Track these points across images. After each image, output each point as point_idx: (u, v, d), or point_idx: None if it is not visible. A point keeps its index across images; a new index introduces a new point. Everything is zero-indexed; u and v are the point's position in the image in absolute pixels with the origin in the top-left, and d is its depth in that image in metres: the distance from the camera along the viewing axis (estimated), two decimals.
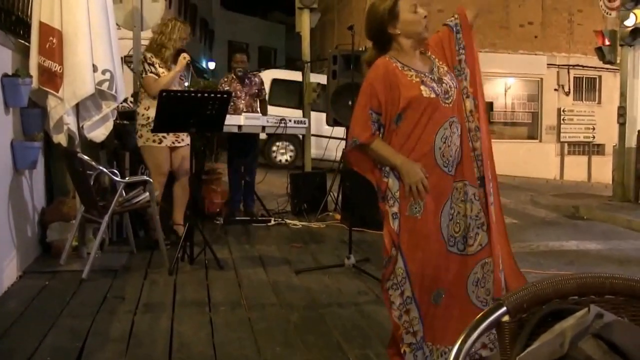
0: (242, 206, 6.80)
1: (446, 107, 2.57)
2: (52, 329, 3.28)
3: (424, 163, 2.53)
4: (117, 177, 4.54)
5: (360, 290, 4.15)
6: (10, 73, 4.08)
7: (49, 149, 4.90)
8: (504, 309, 1.20)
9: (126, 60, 6.92)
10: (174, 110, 4.49)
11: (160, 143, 5.10)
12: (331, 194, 7.13)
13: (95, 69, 4.40)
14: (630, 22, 9.23)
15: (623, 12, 9.47)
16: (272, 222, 6.47)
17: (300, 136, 9.82)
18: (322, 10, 10.59)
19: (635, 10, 9.18)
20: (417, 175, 2.50)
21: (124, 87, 4.89)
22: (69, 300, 3.76)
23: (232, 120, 6.08)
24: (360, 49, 6.16)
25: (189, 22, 5.54)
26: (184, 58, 5.08)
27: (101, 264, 4.45)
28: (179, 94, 4.65)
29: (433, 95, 2.53)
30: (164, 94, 4.43)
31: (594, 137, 17.03)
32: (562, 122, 17.00)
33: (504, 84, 16.92)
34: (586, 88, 17.40)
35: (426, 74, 2.59)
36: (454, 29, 2.70)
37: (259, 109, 6.85)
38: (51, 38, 4.26)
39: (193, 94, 4.85)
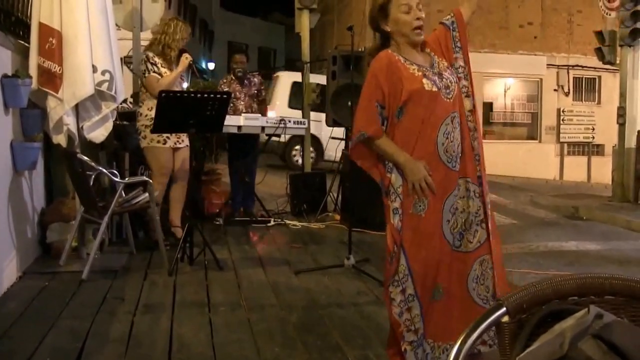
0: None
1: (447, 102, 2.57)
2: (51, 329, 3.28)
3: (428, 161, 2.53)
4: (116, 177, 4.54)
5: (360, 291, 4.14)
6: (10, 74, 4.08)
7: (48, 149, 4.90)
8: (504, 309, 1.20)
9: (126, 60, 6.92)
10: (174, 111, 4.48)
11: (164, 144, 5.09)
12: (331, 194, 7.13)
13: (94, 69, 4.40)
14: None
15: (622, 13, 9.48)
16: (272, 223, 6.47)
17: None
18: (321, 11, 10.59)
19: None
20: (420, 173, 2.51)
21: (123, 88, 4.88)
22: (69, 301, 3.76)
23: (232, 121, 6.09)
24: (360, 49, 6.17)
25: (188, 22, 5.54)
26: (186, 58, 5.07)
27: (101, 265, 4.45)
28: (178, 95, 4.65)
29: (435, 89, 2.54)
30: (163, 94, 4.43)
31: (593, 137, 17.04)
32: (561, 122, 17.01)
33: (503, 85, 16.92)
34: (586, 88, 17.41)
35: (427, 68, 2.61)
36: (450, 27, 2.72)
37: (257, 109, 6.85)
38: (51, 39, 4.27)
39: (193, 95, 4.85)
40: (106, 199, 4.52)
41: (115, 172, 4.75)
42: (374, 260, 4.84)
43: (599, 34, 10.17)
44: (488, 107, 16.72)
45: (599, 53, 10.19)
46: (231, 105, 6.24)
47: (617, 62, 10.05)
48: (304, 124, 7.10)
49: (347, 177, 6.55)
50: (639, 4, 9.22)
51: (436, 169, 2.54)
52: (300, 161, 12.81)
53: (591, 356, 1.09)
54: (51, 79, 4.29)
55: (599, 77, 17.03)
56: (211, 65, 28.88)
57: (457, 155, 2.60)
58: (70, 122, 4.41)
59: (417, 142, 2.55)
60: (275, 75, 14.66)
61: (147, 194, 4.58)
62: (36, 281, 4.13)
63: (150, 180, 4.66)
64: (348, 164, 6.28)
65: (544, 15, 16.69)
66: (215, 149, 8.43)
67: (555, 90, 17.03)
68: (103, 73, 4.48)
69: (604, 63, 10.51)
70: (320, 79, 11.04)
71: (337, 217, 6.77)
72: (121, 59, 5.70)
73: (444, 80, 2.59)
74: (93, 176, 4.48)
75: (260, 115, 6.60)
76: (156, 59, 5.09)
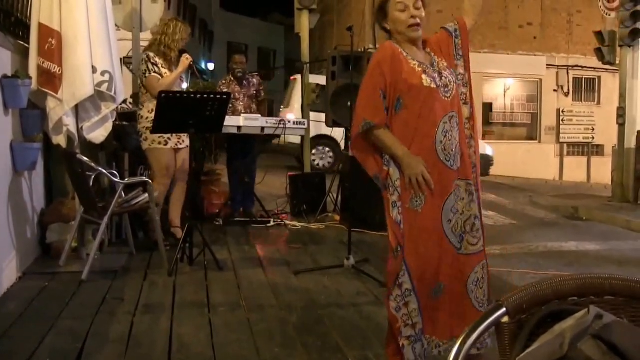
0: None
1: (445, 100, 2.58)
2: (51, 330, 3.28)
3: (425, 158, 2.54)
4: (116, 178, 4.54)
5: (360, 291, 4.14)
6: (9, 74, 4.08)
7: (48, 150, 4.89)
8: (504, 309, 1.20)
9: (125, 61, 6.93)
10: (173, 111, 4.48)
11: (166, 145, 5.09)
12: (330, 194, 7.13)
13: (94, 70, 4.40)
14: None
15: (622, 13, 9.48)
16: (272, 223, 6.47)
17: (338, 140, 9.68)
18: (321, 12, 10.59)
19: None
20: (417, 167, 2.51)
21: (123, 89, 4.88)
22: (69, 302, 3.76)
23: (232, 121, 6.09)
24: (360, 50, 6.17)
25: (188, 23, 5.54)
26: (187, 59, 5.07)
27: (101, 265, 4.45)
28: (178, 95, 4.65)
29: (433, 86, 2.56)
30: (163, 95, 4.43)
31: (593, 137, 17.05)
32: (561, 122, 17.02)
33: (503, 85, 16.94)
34: (585, 89, 17.43)
35: (428, 65, 2.63)
36: (453, 34, 2.73)
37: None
38: (50, 39, 4.27)
39: (192, 95, 4.85)
40: (106, 200, 4.52)
41: (115, 172, 4.75)
42: (374, 260, 4.85)
43: (599, 34, 10.17)
44: (488, 107, 16.74)
45: (599, 53, 10.19)
46: (230, 106, 6.24)
47: (617, 62, 10.05)
48: (304, 124, 7.10)
49: (346, 177, 6.55)
50: (638, 4, 9.23)
51: (434, 166, 2.55)
52: (318, 163, 12.76)
53: (591, 357, 1.09)
54: (51, 80, 4.29)
55: (599, 77, 17.05)
56: (211, 66, 28.88)
57: (456, 154, 2.60)
58: (70, 122, 4.42)
59: (414, 138, 2.56)
60: (292, 77, 14.59)
61: (147, 195, 4.57)
62: (36, 281, 4.13)
63: (150, 181, 4.66)
64: (348, 164, 6.28)
65: (543, 15, 16.70)
66: (214, 149, 8.42)
67: (554, 90, 17.05)
68: (103, 74, 4.48)
69: (604, 63, 10.51)
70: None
71: (337, 217, 6.77)
72: (121, 59, 5.71)
73: (443, 78, 2.60)
74: (93, 177, 4.48)
75: (259, 115, 6.60)
76: (157, 60, 5.09)
